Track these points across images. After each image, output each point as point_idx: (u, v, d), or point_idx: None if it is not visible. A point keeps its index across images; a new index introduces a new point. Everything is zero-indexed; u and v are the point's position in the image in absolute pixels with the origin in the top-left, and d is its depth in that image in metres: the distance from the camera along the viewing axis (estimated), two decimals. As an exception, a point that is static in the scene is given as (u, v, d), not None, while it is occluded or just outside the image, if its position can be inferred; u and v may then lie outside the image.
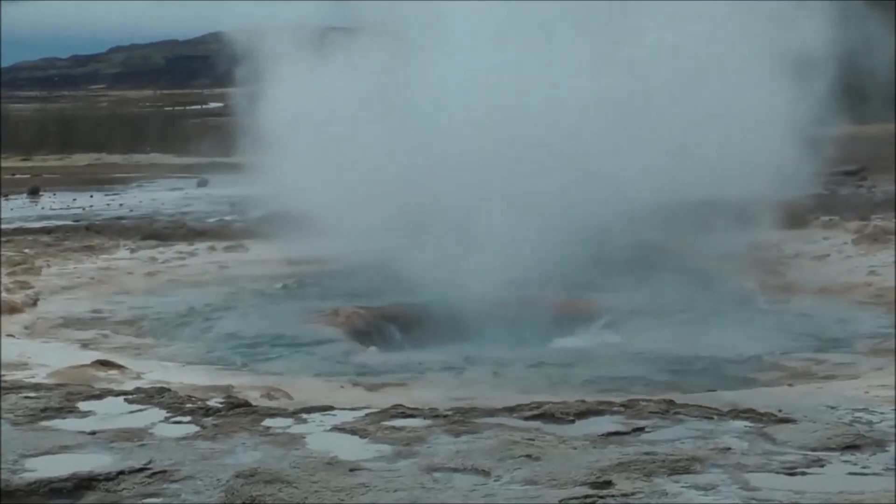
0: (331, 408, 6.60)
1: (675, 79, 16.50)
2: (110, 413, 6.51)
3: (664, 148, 16.10)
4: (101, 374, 8.11)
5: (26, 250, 15.75)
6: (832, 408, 6.63)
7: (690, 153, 15.67)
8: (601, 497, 4.75)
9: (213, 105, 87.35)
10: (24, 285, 12.94)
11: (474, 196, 13.98)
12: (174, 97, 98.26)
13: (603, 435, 5.85)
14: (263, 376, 8.80)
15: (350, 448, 5.63)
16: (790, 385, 8.09)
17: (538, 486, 4.94)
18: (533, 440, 5.59)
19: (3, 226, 19.39)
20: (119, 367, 8.38)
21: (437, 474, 5.15)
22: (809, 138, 16.87)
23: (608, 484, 4.93)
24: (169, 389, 7.13)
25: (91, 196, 30.04)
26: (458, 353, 10.52)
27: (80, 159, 47.77)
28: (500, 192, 13.87)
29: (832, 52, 16.22)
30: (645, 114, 16.47)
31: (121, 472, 5.17)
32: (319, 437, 5.90)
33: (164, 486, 5.02)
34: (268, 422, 6.20)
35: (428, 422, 6.14)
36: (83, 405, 6.67)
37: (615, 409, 6.40)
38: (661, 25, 16.69)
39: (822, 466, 5.32)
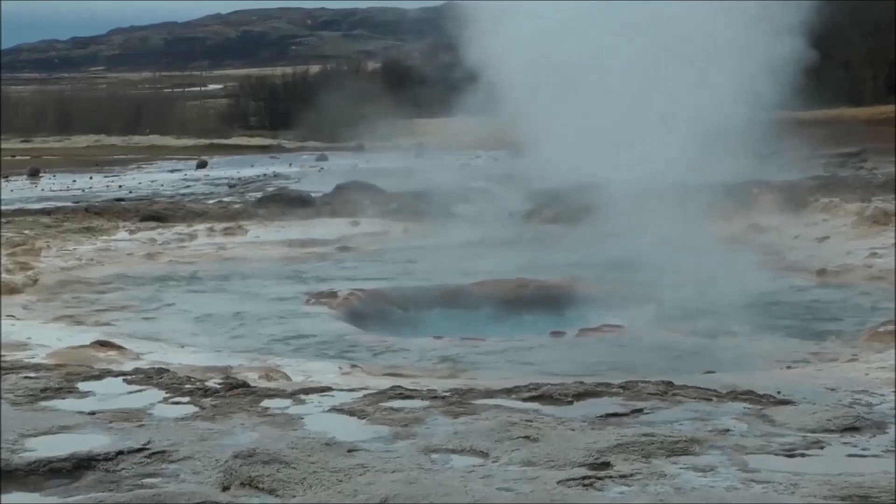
0: (329, 389, 6.61)
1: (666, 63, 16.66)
2: (109, 393, 6.52)
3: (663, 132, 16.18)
4: (101, 354, 8.11)
5: (26, 231, 15.76)
6: (832, 389, 6.63)
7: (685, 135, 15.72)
8: (599, 478, 4.75)
9: (212, 87, 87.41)
10: (24, 266, 12.94)
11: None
12: (173, 79, 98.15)
13: (601, 416, 5.85)
14: (263, 356, 8.79)
15: (348, 429, 5.64)
16: (789, 367, 8.08)
17: (536, 467, 4.94)
18: (531, 421, 5.59)
19: (3, 207, 19.40)
20: (118, 347, 8.38)
21: (434, 455, 5.16)
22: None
23: (606, 465, 4.93)
24: (168, 370, 7.14)
25: (90, 178, 30.05)
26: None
27: (80, 141, 47.76)
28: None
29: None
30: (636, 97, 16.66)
31: (120, 453, 5.18)
32: (317, 418, 5.90)
33: (163, 466, 5.02)
34: (266, 402, 6.21)
35: (426, 403, 6.15)
36: (82, 386, 6.69)
37: (613, 390, 6.40)
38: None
39: (822, 448, 5.32)
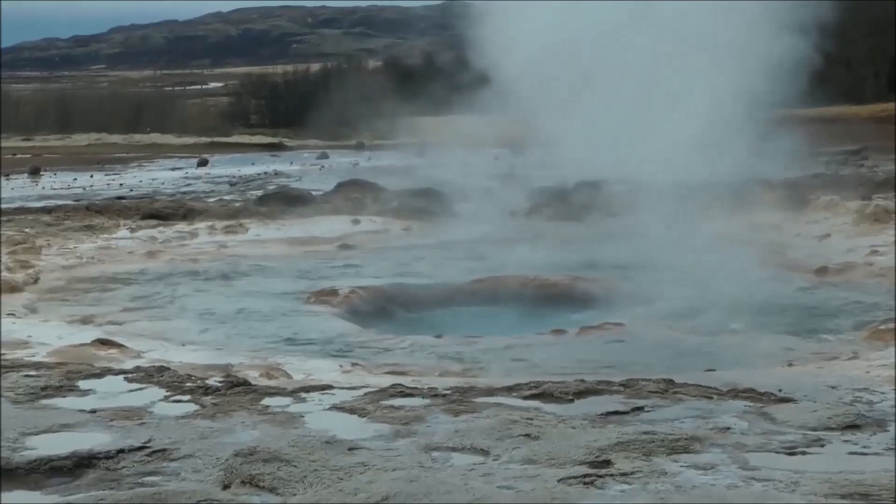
0: (330, 387, 6.61)
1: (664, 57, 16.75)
2: (110, 392, 6.52)
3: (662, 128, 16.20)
4: (101, 352, 8.11)
5: (27, 229, 15.75)
6: (832, 387, 6.62)
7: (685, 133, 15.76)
8: (600, 476, 4.75)
9: (213, 85, 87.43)
10: (24, 264, 12.93)
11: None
12: (174, 77, 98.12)
13: (602, 414, 5.85)
14: (263, 354, 8.79)
15: (349, 427, 5.64)
16: (790, 365, 8.07)
17: (537, 465, 4.94)
18: (532, 420, 5.59)
19: (4, 205, 19.40)
20: (119, 345, 8.38)
21: (435, 453, 5.15)
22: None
23: (607, 463, 4.93)
24: (168, 368, 7.14)
25: (91, 176, 30.03)
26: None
27: (81, 139, 47.72)
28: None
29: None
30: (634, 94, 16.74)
31: (120, 451, 5.18)
32: (318, 417, 5.90)
33: (164, 464, 5.03)
34: (267, 401, 6.21)
35: (427, 401, 6.15)
36: (83, 384, 6.69)
37: (614, 388, 6.40)
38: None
39: (822, 446, 5.32)
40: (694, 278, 11.76)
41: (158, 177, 29.84)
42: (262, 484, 4.70)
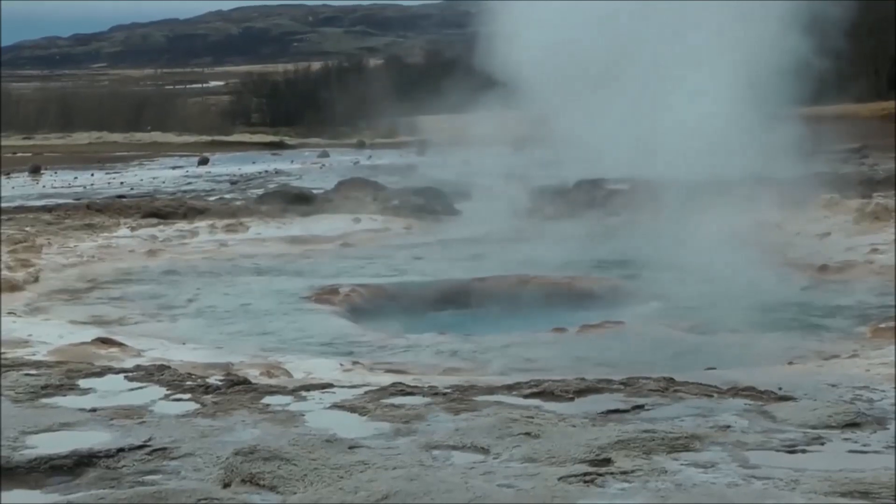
0: (330, 385, 6.61)
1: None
2: (110, 390, 6.52)
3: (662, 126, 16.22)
4: (102, 351, 8.11)
5: (27, 228, 15.75)
6: (833, 386, 6.62)
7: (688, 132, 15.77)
8: (600, 475, 4.75)
9: (213, 84, 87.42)
10: (25, 263, 12.93)
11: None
12: (175, 76, 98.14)
13: (602, 413, 5.85)
14: (264, 353, 8.79)
15: (349, 426, 5.64)
16: (790, 363, 8.07)
17: (537, 463, 4.94)
18: (532, 418, 5.58)
19: (5, 204, 19.41)
20: (119, 344, 8.38)
21: (435, 452, 5.15)
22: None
23: (607, 462, 4.93)
24: (169, 367, 7.14)
25: (92, 174, 30.05)
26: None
27: (82, 138, 47.74)
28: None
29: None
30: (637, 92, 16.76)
31: (121, 450, 5.18)
32: (319, 415, 5.90)
33: (164, 463, 5.03)
34: (267, 399, 6.21)
35: (427, 399, 6.14)
36: (83, 382, 6.69)
37: (614, 386, 6.40)
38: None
39: (822, 444, 5.31)
40: (694, 277, 11.76)
41: (159, 175, 29.87)
42: (262, 482, 4.69)
